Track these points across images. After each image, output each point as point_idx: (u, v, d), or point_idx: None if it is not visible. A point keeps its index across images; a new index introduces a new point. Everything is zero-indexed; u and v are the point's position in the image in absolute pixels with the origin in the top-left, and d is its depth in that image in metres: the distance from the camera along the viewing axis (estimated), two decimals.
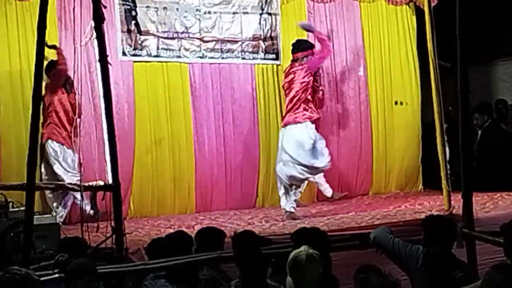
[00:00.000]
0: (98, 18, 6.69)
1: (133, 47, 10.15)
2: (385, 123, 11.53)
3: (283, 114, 10.12)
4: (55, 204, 9.40)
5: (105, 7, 6.80)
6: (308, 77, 9.75)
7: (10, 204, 7.54)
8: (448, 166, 8.84)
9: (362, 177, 11.40)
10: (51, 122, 9.40)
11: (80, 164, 7.49)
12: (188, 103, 10.48)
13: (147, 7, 10.20)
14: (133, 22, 10.13)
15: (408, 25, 11.63)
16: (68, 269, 5.23)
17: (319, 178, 10.36)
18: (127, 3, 10.08)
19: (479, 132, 11.21)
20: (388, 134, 11.54)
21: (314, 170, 9.79)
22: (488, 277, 4.50)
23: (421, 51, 10.76)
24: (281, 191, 9.69)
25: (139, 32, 10.16)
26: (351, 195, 11.13)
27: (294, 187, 9.75)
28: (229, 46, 10.64)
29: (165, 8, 10.29)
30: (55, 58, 9.29)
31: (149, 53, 10.25)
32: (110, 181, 6.80)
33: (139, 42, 10.18)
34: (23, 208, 6.48)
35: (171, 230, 8.09)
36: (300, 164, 9.64)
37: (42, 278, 4.95)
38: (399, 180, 11.63)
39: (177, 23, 10.36)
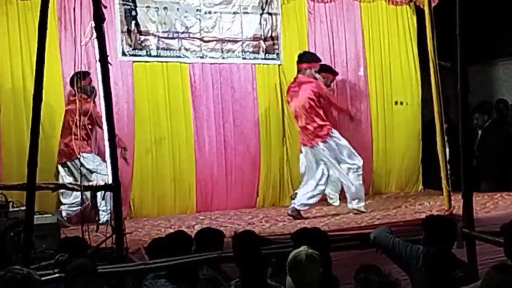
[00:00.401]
0: (98, 18, 6.70)
1: (133, 47, 10.15)
2: (385, 123, 11.53)
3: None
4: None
5: (105, 7, 6.80)
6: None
7: (11, 203, 7.53)
8: (448, 166, 8.84)
9: (363, 177, 11.39)
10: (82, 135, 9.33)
11: (81, 164, 7.48)
12: (188, 103, 10.48)
13: (147, 7, 10.20)
14: (133, 22, 10.13)
15: (408, 25, 11.63)
16: (68, 269, 5.24)
17: None
18: (128, 3, 10.08)
19: (479, 132, 11.22)
20: (388, 134, 11.54)
21: None
22: (488, 277, 4.50)
23: (421, 51, 10.77)
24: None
25: (139, 32, 10.16)
26: None
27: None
28: (229, 46, 10.63)
29: (165, 8, 10.30)
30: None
31: (149, 53, 10.25)
32: (110, 181, 6.81)
33: (139, 42, 10.17)
34: (23, 208, 6.49)
35: (171, 230, 8.08)
36: None
37: (43, 278, 4.95)
38: (399, 180, 11.64)
39: (177, 23, 10.36)
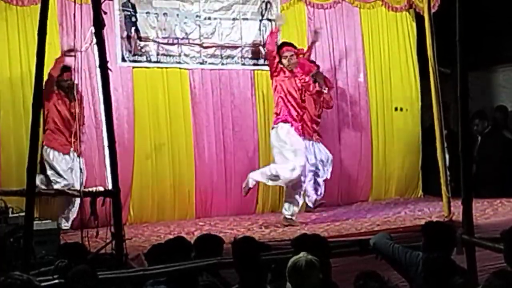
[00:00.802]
0: (98, 24, 6.70)
1: (132, 53, 10.16)
2: (385, 129, 11.55)
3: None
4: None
5: (105, 13, 6.80)
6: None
7: (10, 209, 7.53)
8: (448, 172, 8.84)
9: (362, 183, 11.42)
10: (48, 129, 9.40)
11: (80, 170, 7.48)
12: (188, 109, 10.48)
13: (147, 13, 10.21)
14: (133, 28, 10.14)
15: (408, 31, 11.65)
16: (68, 275, 5.23)
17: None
18: (127, 9, 10.09)
19: (479, 138, 11.23)
20: (388, 140, 11.55)
21: None
22: (488, 283, 4.50)
23: (421, 57, 10.78)
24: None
25: (139, 38, 10.17)
26: (351, 201, 11.15)
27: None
28: (229, 52, 10.65)
29: (165, 14, 10.31)
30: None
31: (149, 59, 10.26)
32: (110, 187, 6.81)
33: (139, 48, 10.18)
34: (23, 214, 6.48)
35: (171, 236, 8.07)
36: None
37: (42, 284, 4.94)
38: (399, 186, 11.65)
39: (177, 29, 10.38)
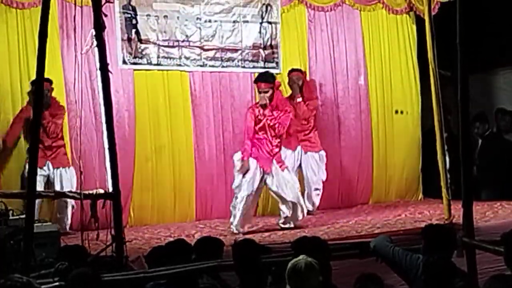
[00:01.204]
0: (99, 26, 6.71)
1: (133, 55, 10.17)
2: (385, 132, 11.53)
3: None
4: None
5: (105, 15, 6.82)
6: None
7: (10, 212, 7.53)
8: (448, 175, 8.84)
9: (362, 185, 11.40)
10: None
11: (80, 173, 7.47)
12: (188, 111, 10.49)
13: (147, 15, 10.22)
14: (134, 30, 10.16)
15: (409, 34, 11.64)
16: (69, 278, 5.23)
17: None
18: (128, 11, 10.10)
19: (480, 141, 11.22)
20: (388, 143, 11.54)
21: None
22: (488, 286, 4.50)
23: (421, 60, 10.77)
24: None
25: (140, 40, 10.18)
26: (351, 203, 11.15)
27: None
28: (229, 54, 10.65)
29: (165, 16, 10.32)
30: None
31: (149, 61, 10.27)
32: (110, 189, 6.81)
33: (139, 50, 10.19)
34: (23, 216, 6.49)
35: (171, 238, 8.09)
36: None
37: (43, 286, 4.95)
38: (399, 189, 11.63)
39: (177, 31, 10.38)
